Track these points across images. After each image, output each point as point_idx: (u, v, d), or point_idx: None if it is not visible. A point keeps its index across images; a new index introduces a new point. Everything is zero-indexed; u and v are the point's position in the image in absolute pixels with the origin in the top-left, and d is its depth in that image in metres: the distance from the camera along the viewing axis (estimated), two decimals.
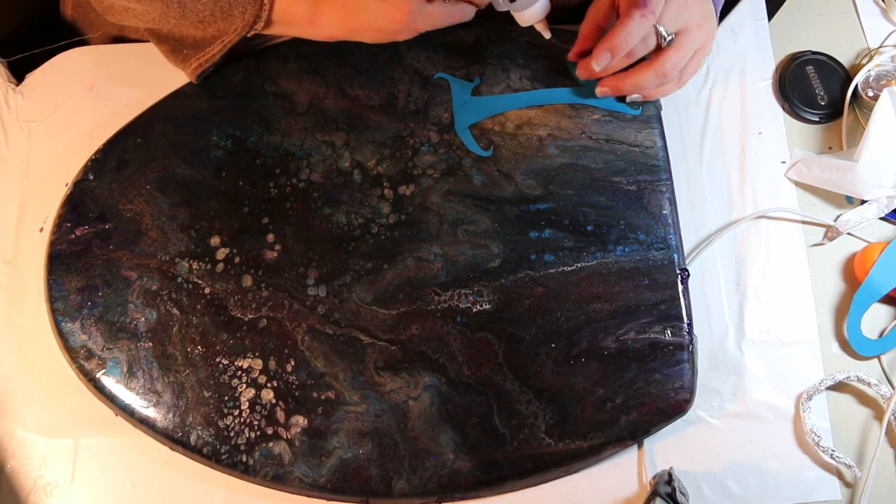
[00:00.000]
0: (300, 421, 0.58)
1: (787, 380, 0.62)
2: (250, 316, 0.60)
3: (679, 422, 0.59)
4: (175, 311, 0.60)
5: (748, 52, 0.71)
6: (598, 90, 0.62)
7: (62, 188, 0.63)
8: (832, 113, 0.69)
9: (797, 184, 0.67)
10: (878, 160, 0.63)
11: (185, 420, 0.57)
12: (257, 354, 0.59)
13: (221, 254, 0.61)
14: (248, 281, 0.60)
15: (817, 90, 0.70)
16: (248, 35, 0.61)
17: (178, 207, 0.62)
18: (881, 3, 0.73)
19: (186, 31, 0.62)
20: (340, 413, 0.58)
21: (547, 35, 0.62)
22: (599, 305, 0.60)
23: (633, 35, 0.56)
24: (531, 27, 0.61)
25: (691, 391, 0.58)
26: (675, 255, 0.61)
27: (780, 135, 0.69)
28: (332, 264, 0.61)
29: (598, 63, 0.58)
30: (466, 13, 0.59)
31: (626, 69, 0.61)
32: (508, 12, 0.60)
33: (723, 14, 0.70)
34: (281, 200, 0.62)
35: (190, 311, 0.60)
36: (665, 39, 0.58)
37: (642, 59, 0.60)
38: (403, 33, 0.58)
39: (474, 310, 0.60)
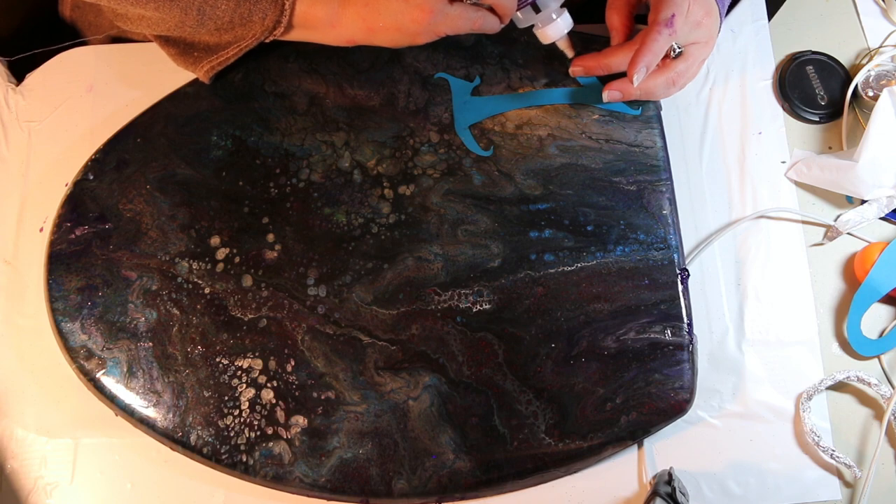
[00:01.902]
0: (300, 421, 0.58)
1: (787, 380, 0.62)
2: (250, 316, 0.60)
3: (679, 422, 0.59)
4: (175, 311, 0.60)
5: (748, 52, 0.71)
6: (607, 94, 0.62)
7: (62, 188, 0.63)
8: (832, 113, 0.69)
9: (797, 184, 0.67)
10: (878, 160, 0.63)
11: (185, 420, 0.57)
12: (257, 354, 0.59)
13: (221, 254, 0.61)
14: (248, 281, 0.60)
15: (817, 90, 0.70)
16: (266, 41, 0.60)
17: (178, 207, 0.62)
18: (881, 3, 0.73)
19: (201, 38, 0.61)
20: (340, 413, 0.58)
21: (570, 54, 0.62)
22: (599, 305, 0.60)
23: (663, 50, 0.58)
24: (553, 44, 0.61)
25: (691, 391, 0.58)
26: (675, 255, 0.61)
27: (780, 135, 0.69)
28: (332, 264, 0.61)
29: (639, 78, 0.58)
30: (489, 23, 0.57)
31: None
32: (530, 29, 0.61)
33: None
34: (281, 200, 0.62)
35: (190, 311, 0.60)
36: (675, 52, 0.61)
37: None
38: (424, 35, 0.57)
39: (474, 310, 0.60)
